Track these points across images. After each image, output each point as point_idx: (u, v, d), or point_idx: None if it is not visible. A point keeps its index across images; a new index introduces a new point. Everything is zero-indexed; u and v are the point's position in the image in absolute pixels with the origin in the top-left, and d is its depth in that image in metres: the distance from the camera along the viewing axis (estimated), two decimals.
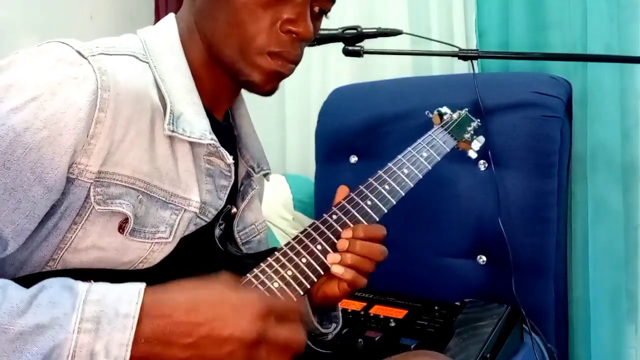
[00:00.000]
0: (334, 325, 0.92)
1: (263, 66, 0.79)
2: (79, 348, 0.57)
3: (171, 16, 0.85)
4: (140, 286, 0.62)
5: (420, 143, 1.01)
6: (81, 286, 0.61)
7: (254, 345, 0.62)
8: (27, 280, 0.66)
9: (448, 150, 1.05)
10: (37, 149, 0.66)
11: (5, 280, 0.61)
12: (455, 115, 1.11)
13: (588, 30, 1.40)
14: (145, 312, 0.60)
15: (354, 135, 1.57)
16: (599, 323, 1.39)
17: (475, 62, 1.32)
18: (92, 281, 0.67)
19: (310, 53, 1.88)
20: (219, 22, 0.78)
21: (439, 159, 1.01)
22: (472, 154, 1.13)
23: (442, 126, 1.08)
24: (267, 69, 0.79)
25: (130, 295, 0.61)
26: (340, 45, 1.24)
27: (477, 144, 1.13)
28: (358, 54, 1.23)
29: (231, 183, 0.84)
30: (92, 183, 0.69)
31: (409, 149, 1.00)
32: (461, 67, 1.53)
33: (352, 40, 1.23)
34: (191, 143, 0.78)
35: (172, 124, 0.75)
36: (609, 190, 1.39)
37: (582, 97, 1.43)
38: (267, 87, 0.81)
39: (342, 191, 0.90)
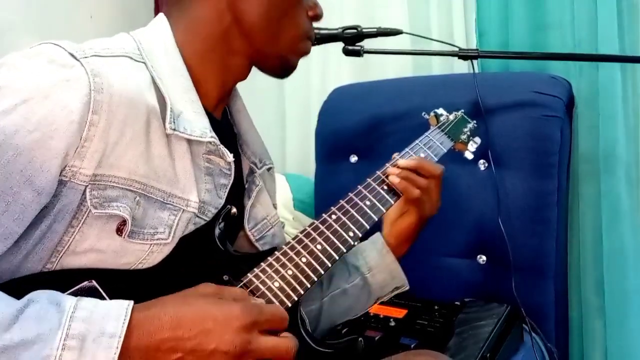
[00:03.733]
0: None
1: (304, 50, 0.89)
2: None
3: (162, 17, 0.84)
4: (128, 304, 0.62)
5: (417, 144, 1.02)
6: (68, 302, 0.61)
7: (240, 357, 0.63)
8: (26, 281, 0.66)
9: (445, 151, 1.06)
10: (28, 151, 0.65)
11: None
12: (451, 117, 1.12)
13: (589, 30, 1.40)
14: (131, 331, 0.60)
15: (354, 135, 1.57)
16: (612, 324, 1.38)
17: (475, 61, 1.32)
18: (93, 281, 0.67)
19: (310, 53, 1.88)
20: (263, 17, 0.82)
21: (436, 159, 1.02)
22: (469, 155, 1.14)
23: (438, 127, 1.09)
24: (306, 52, 0.90)
25: (117, 314, 0.61)
26: (340, 45, 1.24)
27: (473, 145, 1.13)
28: (358, 53, 1.23)
29: (231, 181, 0.84)
30: (87, 186, 0.69)
31: (407, 149, 1.00)
32: (461, 67, 1.53)
33: (352, 40, 1.22)
34: (189, 142, 0.77)
35: (173, 122, 0.75)
36: (618, 191, 1.38)
37: (587, 97, 1.42)
38: (292, 69, 0.90)
39: None
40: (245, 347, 0.63)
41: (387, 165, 0.97)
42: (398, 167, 0.95)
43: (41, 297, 0.61)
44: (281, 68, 0.89)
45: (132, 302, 0.62)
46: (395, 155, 0.99)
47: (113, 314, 0.61)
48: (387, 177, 0.94)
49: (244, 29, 0.82)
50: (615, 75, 1.36)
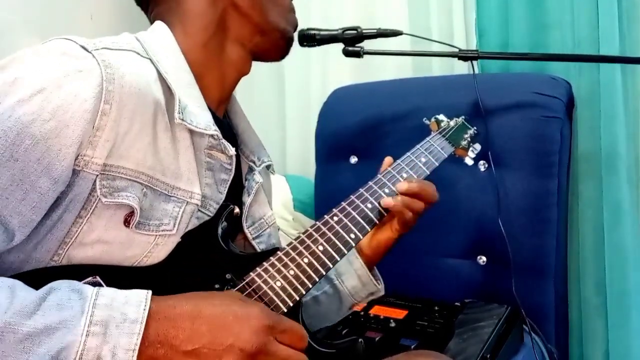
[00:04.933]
0: (380, 281, 1.01)
1: (295, 21, 0.95)
2: (87, 351, 0.58)
3: (159, 22, 0.86)
4: (148, 292, 0.63)
5: (418, 149, 1.03)
6: (89, 290, 0.62)
7: (254, 357, 0.64)
8: (33, 275, 0.67)
9: (445, 156, 1.06)
10: (44, 140, 0.66)
11: (13, 281, 0.62)
12: (452, 123, 1.13)
13: (589, 30, 1.40)
14: (150, 316, 0.62)
15: (354, 136, 1.57)
16: (614, 324, 1.38)
17: (475, 62, 1.32)
18: (97, 277, 0.67)
19: (310, 53, 1.88)
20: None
21: (437, 164, 1.03)
22: (469, 161, 1.14)
23: (439, 132, 1.09)
24: (296, 23, 0.96)
25: (137, 300, 0.62)
26: (340, 46, 1.24)
27: (473, 151, 1.14)
28: (358, 54, 1.23)
29: (231, 177, 0.85)
30: (97, 175, 0.70)
31: (408, 154, 1.01)
32: (461, 68, 1.53)
33: (352, 41, 1.23)
34: (192, 135, 0.79)
35: (181, 112, 0.77)
36: (620, 191, 1.38)
37: (587, 97, 1.42)
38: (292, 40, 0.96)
39: (388, 162, 0.99)
40: (261, 348, 0.64)
41: (389, 169, 0.97)
42: (400, 192, 0.93)
43: (62, 285, 0.62)
44: (283, 39, 0.92)
45: (150, 291, 0.64)
46: (399, 161, 0.99)
47: (133, 301, 0.62)
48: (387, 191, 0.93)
49: (241, 8, 0.86)
50: (615, 75, 1.36)
